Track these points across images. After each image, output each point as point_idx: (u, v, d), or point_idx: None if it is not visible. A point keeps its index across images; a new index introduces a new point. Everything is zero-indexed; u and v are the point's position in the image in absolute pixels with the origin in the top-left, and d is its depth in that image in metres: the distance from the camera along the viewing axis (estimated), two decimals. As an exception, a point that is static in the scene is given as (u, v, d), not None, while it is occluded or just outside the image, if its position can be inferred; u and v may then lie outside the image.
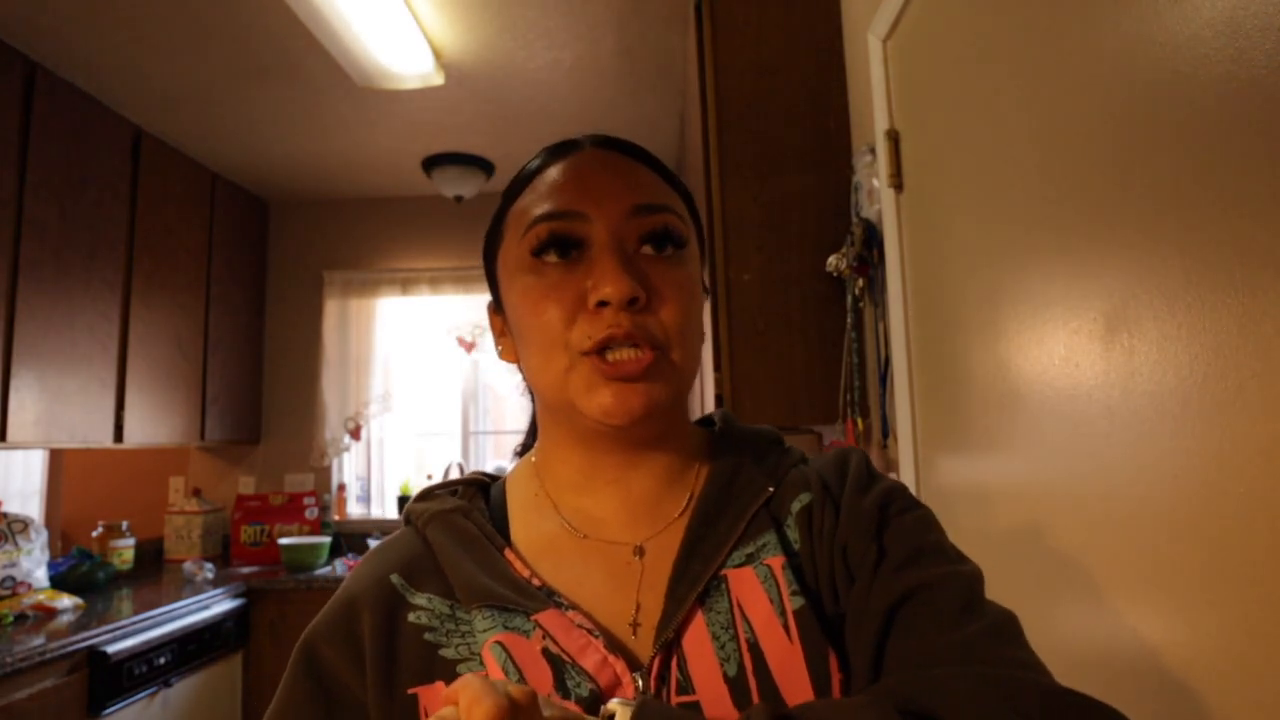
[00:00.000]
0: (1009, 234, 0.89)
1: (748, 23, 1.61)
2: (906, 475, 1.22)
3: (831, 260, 1.47)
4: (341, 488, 3.52)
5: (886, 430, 1.34)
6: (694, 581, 0.51)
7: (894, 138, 1.25)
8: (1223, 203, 0.55)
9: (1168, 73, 0.60)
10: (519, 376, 0.62)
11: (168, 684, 2.29)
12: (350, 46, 2.17)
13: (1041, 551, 0.83)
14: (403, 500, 3.28)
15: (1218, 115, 0.55)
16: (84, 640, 2.01)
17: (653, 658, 0.50)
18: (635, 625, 0.52)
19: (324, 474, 3.48)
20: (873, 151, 1.34)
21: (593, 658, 0.49)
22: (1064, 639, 0.79)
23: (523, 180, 0.58)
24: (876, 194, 1.33)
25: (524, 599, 0.52)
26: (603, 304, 0.50)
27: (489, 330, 0.63)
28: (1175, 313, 0.60)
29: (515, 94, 2.61)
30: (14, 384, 2.14)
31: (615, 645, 0.50)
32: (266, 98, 2.60)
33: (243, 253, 3.39)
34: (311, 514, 3.30)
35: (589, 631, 0.50)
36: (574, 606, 0.52)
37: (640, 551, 0.55)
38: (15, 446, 2.19)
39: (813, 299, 1.53)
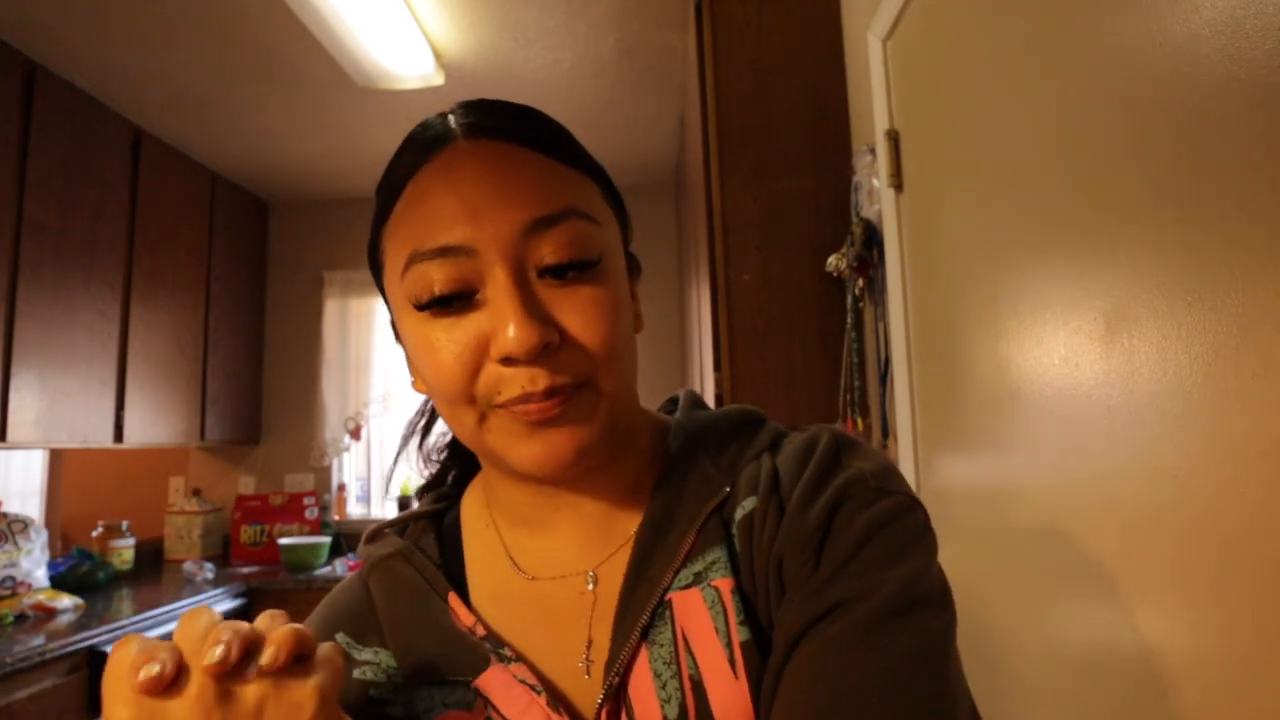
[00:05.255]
0: (1009, 234, 0.89)
1: (748, 23, 1.61)
2: (906, 475, 1.22)
3: (831, 260, 1.47)
4: (341, 488, 3.52)
5: (886, 430, 1.34)
6: (639, 609, 0.46)
7: (894, 138, 1.25)
8: (1223, 202, 0.55)
9: (1168, 72, 0.60)
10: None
11: (168, 684, 2.29)
12: (350, 47, 2.17)
13: (1042, 551, 0.83)
14: (403, 501, 3.28)
15: (1218, 115, 0.55)
16: (84, 640, 2.01)
17: (599, 710, 0.45)
18: (588, 664, 0.48)
19: (324, 474, 3.48)
20: (873, 151, 1.34)
21: (534, 718, 0.46)
22: (1065, 639, 0.79)
23: (392, 190, 0.48)
24: (876, 194, 1.33)
25: (465, 658, 0.48)
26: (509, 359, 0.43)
27: None
28: (1175, 313, 0.60)
29: (515, 94, 2.59)
30: (14, 384, 2.14)
31: (559, 700, 0.47)
32: (266, 98, 2.60)
33: (243, 253, 3.39)
34: (311, 514, 3.30)
35: (531, 688, 0.46)
36: (519, 658, 0.48)
37: (594, 580, 0.50)
38: (15, 446, 2.19)
39: (813, 299, 1.53)
